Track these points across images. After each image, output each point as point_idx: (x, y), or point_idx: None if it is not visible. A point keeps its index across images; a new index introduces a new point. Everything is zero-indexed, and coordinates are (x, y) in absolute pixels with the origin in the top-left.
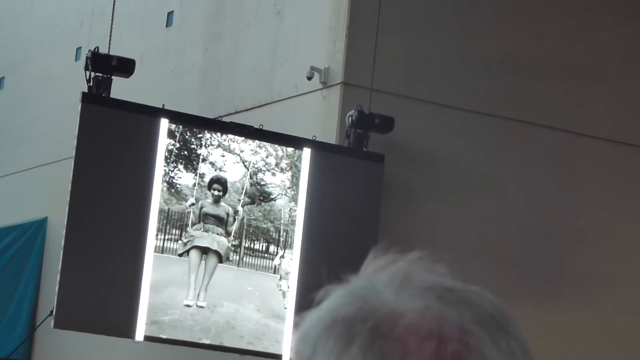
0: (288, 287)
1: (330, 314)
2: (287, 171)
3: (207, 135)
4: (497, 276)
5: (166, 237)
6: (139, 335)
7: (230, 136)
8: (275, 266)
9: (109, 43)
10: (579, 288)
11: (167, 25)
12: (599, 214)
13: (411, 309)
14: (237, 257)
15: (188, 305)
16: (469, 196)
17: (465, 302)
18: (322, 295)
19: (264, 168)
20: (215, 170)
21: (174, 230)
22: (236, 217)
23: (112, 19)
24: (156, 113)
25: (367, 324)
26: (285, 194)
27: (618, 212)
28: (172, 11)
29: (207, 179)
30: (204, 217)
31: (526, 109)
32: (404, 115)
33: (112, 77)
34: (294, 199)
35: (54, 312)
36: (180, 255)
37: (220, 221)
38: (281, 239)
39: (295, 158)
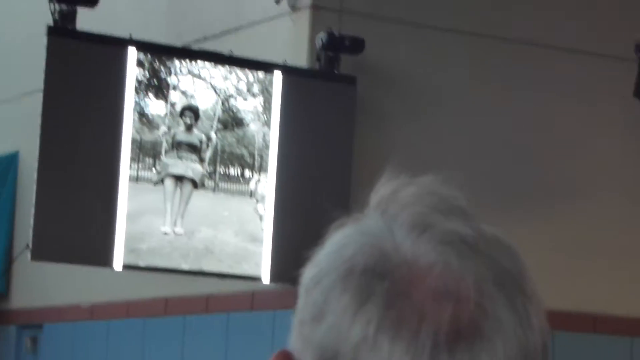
0: (265, 211)
1: (345, 262)
2: (259, 96)
3: (177, 63)
4: (472, 192)
5: (140, 167)
6: (118, 264)
7: (200, 63)
8: (251, 191)
9: None
10: (552, 200)
11: None
12: (570, 125)
13: (429, 266)
14: (213, 183)
15: (165, 233)
16: (442, 115)
17: (485, 258)
18: (334, 230)
19: (235, 94)
20: (186, 98)
21: (147, 159)
22: (209, 144)
23: None
24: (123, 43)
25: (385, 282)
26: (258, 119)
27: (589, 122)
28: None
29: (178, 107)
30: (177, 145)
31: (496, 24)
32: (375, 36)
33: (77, 7)
34: (267, 123)
35: (30, 245)
36: (155, 183)
37: (194, 148)
38: (256, 164)
39: (267, 83)
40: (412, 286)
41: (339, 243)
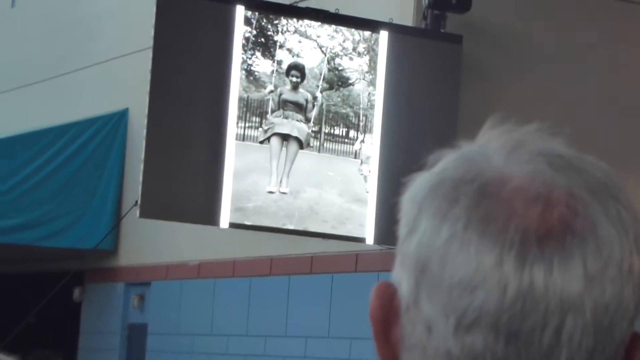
0: (369, 171)
1: (437, 175)
2: (365, 55)
3: (284, 21)
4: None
5: (246, 125)
6: (224, 223)
7: (307, 22)
8: (355, 151)
9: None
10: None
11: None
12: None
13: (520, 173)
14: (318, 143)
15: (271, 192)
16: (548, 71)
17: (577, 169)
18: (433, 160)
19: (341, 53)
20: (293, 56)
21: (254, 118)
22: (315, 103)
23: None
24: (232, 1)
25: (474, 184)
26: (363, 79)
27: None
28: None
29: (284, 66)
30: (283, 104)
31: None
32: None
33: None
34: (372, 83)
35: (139, 202)
36: (261, 142)
37: (300, 108)
38: (361, 124)
39: (372, 42)
40: (501, 187)
41: (433, 167)
